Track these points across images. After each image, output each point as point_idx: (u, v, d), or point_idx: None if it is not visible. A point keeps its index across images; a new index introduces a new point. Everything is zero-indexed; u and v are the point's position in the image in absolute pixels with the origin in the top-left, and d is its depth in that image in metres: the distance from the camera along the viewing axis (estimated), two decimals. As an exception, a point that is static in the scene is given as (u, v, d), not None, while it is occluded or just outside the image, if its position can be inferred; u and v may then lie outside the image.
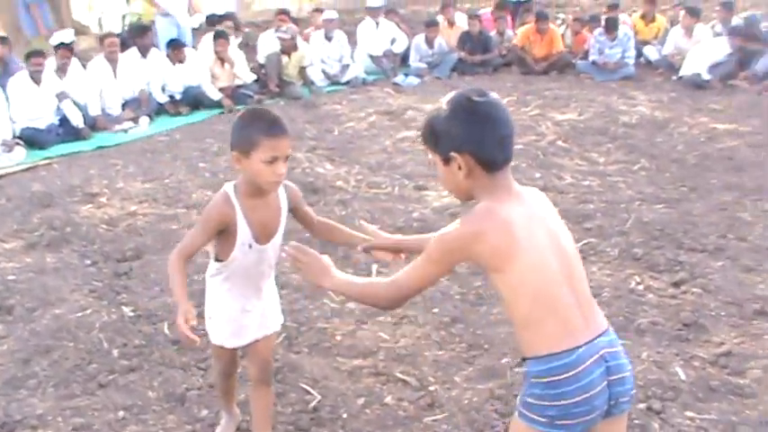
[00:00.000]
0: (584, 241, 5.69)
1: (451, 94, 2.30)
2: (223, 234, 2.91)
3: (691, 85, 10.99)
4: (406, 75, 12.05)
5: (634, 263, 5.43)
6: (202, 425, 3.71)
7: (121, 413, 3.79)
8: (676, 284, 5.10)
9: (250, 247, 2.95)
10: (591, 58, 12.08)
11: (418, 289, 2.35)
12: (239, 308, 3.12)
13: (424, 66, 12.27)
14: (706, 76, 10.91)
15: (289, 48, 10.73)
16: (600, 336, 2.21)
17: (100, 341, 4.42)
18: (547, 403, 2.16)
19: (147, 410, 3.82)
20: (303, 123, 9.35)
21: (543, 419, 2.18)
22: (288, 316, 4.54)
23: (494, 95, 2.27)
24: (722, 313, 4.73)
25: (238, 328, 3.18)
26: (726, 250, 5.57)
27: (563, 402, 2.14)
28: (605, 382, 2.18)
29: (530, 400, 2.19)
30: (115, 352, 4.32)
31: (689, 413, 3.81)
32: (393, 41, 12.55)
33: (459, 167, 2.22)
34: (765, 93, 10.44)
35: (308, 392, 3.94)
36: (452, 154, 2.22)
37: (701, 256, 5.47)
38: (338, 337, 4.46)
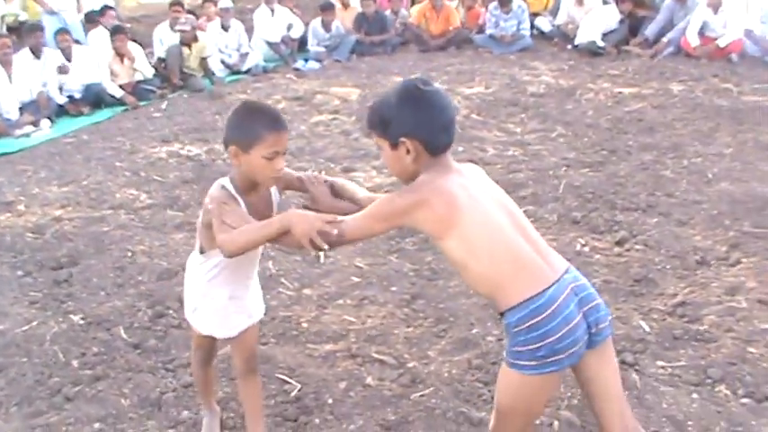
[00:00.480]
0: (522, 209, 5.76)
1: (399, 83, 2.46)
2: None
3: (587, 53, 11.33)
4: (306, 60, 11.97)
5: (574, 226, 5.58)
6: (185, 426, 3.59)
7: (97, 425, 3.61)
8: (619, 243, 5.28)
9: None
10: (488, 31, 12.28)
11: (357, 239, 2.55)
12: (227, 295, 3.04)
13: (323, 49, 12.22)
14: (600, 44, 11.26)
15: (189, 39, 10.49)
16: (564, 274, 2.38)
17: (55, 353, 4.20)
18: (534, 346, 2.29)
19: (123, 419, 3.65)
20: (213, 115, 9.17)
21: (534, 362, 2.31)
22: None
23: (436, 85, 2.45)
24: (668, 267, 4.93)
25: (225, 317, 3.09)
26: (657, 207, 5.80)
27: (549, 340, 2.27)
28: (581, 313, 2.34)
29: (517, 348, 2.32)
30: (75, 362, 4.12)
31: (660, 362, 3.96)
32: (290, 27, 12.43)
33: (408, 152, 2.39)
34: (658, 56, 10.85)
35: (287, 382, 3.87)
36: (402, 139, 2.38)
37: (637, 215, 5.67)
38: (304, 324, 4.42)
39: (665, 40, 11.02)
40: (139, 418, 3.66)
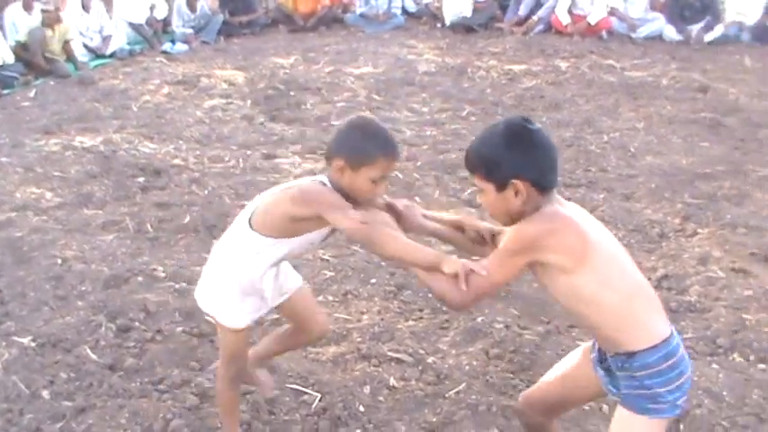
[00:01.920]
0: (469, 191, 5.77)
1: (502, 123, 2.33)
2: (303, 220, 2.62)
3: (461, 31, 11.44)
4: (173, 42, 11.41)
5: (525, 204, 5.60)
6: None
7: None
8: (575, 220, 5.34)
9: (324, 239, 2.74)
10: (358, 10, 12.16)
11: (501, 281, 2.34)
12: (260, 275, 2.78)
13: (190, 31, 11.66)
14: (472, 22, 11.40)
15: (52, 20, 9.68)
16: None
17: (15, 384, 3.59)
18: (674, 385, 2.20)
19: None
20: (91, 102, 8.49)
21: (666, 405, 2.22)
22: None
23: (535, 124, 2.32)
24: (633, 241, 5.04)
25: (258, 298, 2.84)
26: (598, 183, 5.93)
27: (683, 379, 2.22)
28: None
29: (656, 390, 2.20)
30: (45, 393, 3.53)
31: (669, 336, 4.03)
32: (153, 8, 11.79)
33: (517, 193, 2.25)
34: (530, 34, 11.13)
35: (303, 392, 3.57)
36: (513, 181, 2.23)
37: (582, 191, 5.78)
38: (299, 327, 4.16)
39: (535, 18, 11.31)
40: None
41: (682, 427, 3.35)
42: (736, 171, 6.19)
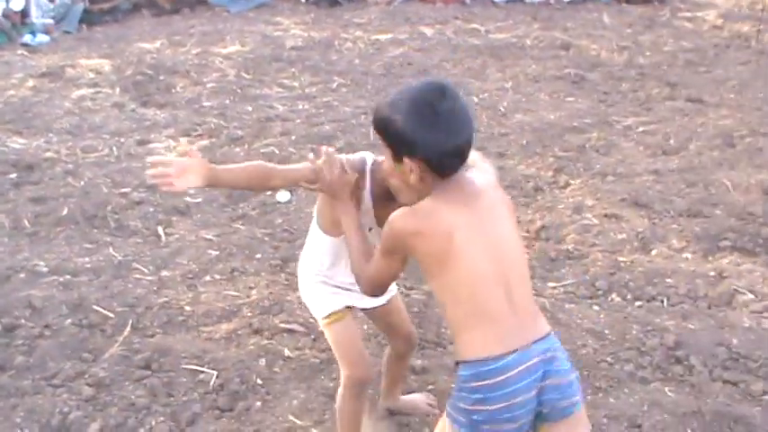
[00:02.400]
0: (345, 160, 5.76)
1: (419, 85, 2.09)
2: None
3: (325, 5, 11.38)
4: (33, 33, 10.89)
5: (403, 170, 5.64)
6: None
7: None
8: (453, 180, 5.41)
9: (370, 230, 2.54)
10: (220, -10, 11.92)
11: (389, 280, 2.30)
12: (327, 267, 2.72)
13: (50, 21, 11.14)
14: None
15: None
16: (538, 341, 2.05)
17: None
18: (471, 408, 2.03)
19: None
20: None
21: (468, 423, 2.06)
22: (113, 301, 4.08)
23: (455, 92, 2.09)
24: (509, 196, 5.12)
25: (342, 290, 2.73)
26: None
27: (486, 408, 2.01)
28: (535, 390, 2.03)
29: (459, 404, 2.06)
30: None
31: (551, 284, 4.18)
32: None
33: (411, 170, 2.06)
34: (394, 3, 11.17)
35: (199, 371, 3.51)
36: (405, 158, 2.05)
37: (457, 152, 5.84)
38: (186, 308, 4.06)
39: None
40: None
41: (569, 367, 3.45)
42: (602, 123, 6.40)
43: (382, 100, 2.16)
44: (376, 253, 2.21)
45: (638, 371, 3.43)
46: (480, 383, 1.98)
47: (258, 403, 3.31)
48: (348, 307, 2.74)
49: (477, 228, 2.06)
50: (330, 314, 2.71)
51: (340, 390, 2.78)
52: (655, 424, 3.09)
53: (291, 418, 3.21)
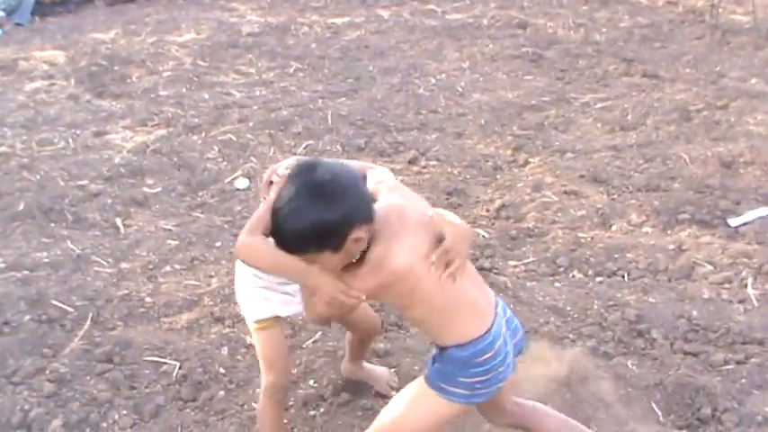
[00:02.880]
0: (303, 145, 5.73)
1: (297, 192, 2.11)
2: None
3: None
4: (-17, 26, 10.67)
5: (361, 153, 5.59)
6: None
7: None
8: (412, 162, 5.40)
9: None
10: (172, -23, 11.71)
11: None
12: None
13: (1, 14, 10.93)
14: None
15: None
16: (496, 308, 2.37)
17: None
18: (478, 379, 2.29)
19: None
20: None
21: (468, 392, 2.31)
22: (72, 295, 4.02)
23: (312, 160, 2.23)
24: (468, 177, 5.15)
25: (282, 293, 2.73)
26: (429, 124, 6.00)
27: (491, 375, 2.29)
28: (512, 343, 2.41)
29: (460, 380, 2.29)
30: None
31: (512, 262, 4.19)
32: (-47, -9, 10.97)
33: (357, 240, 2.13)
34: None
35: (162, 363, 3.49)
36: (351, 234, 2.10)
37: (415, 134, 5.83)
38: (147, 299, 3.99)
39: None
40: None
41: (532, 343, 3.46)
42: (560, 100, 6.41)
43: (283, 230, 2.15)
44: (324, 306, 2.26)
45: (601, 346, 3.45)
46: (484, 357, 2.25)
47: (221, 392, 3.31)
48: (277, 316, 2.74)
49: (420, 242, 2.21)
50: (260, 320, 2.73)
51: (261, 398, 2.84)
52: (618, 398, 3.10)
53: (255, 405, 3.18)
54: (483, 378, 2.28)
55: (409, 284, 2.19)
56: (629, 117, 5.98)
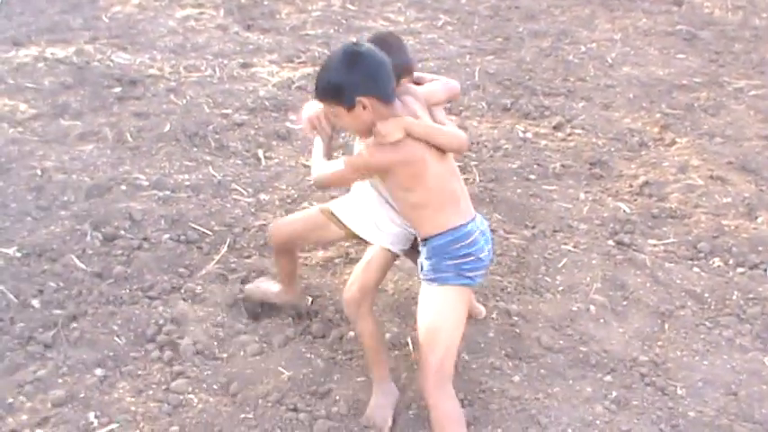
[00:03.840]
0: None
1: (336, 51, 2.64)
2: None
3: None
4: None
5: (506, 113, 5.60)
6: (201, 358, 3.27)
7: (99, 371, 3.15)
8: (557, 128, 5.36)
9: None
10: None
11: (335, 186, 3.32)
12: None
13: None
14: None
15: None
16: (475, 217, 2.79)
17: (4, 294, 3.54)
18: (458, 261, 2.70)
19: (126, 360, 3.23)
20: (59, 14, 7.89)
21: (453, 273, 2.71)
22: (211, 219, 4.16)
23: (362, 42, 2.70)
24: (613, 149, 5.08)
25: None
26: (576, 92, 5.93)
27: (472, 257, 2.71)
28: (488, 248, 2.79)
29: (444, 264, 2.70)
30: (35, 302, 3.51)
31: (651, 241, 4.12)
32: None
33: (364, 108, 2.58)
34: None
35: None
36: (358, 98, 2.57)
37: (561, 100, 5.78)
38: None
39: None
40: (146, 356, 3.26)
41: (667, 326, 3.45)
42: (712, 83, 6.22)
43: (316, 77, 2.64)
44: (340, 166, 2.73)
45: (737, 338, 3.41)
46: (462, 243, 2.68)
47: (351, 333, 3.37)
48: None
49: (437, 160, 2.69)
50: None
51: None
52: (751, 393, 3.08)
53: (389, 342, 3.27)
54: (466, 259, 2.69)
55: (421, 167, 2.62)
56: (786, 108, 5.77)
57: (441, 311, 2.70)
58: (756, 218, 4.34)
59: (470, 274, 2.73)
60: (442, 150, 2.71)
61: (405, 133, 2.61)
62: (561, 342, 3.32)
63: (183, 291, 3.62)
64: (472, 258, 2.71)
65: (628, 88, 5.99)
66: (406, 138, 2.61)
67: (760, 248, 4.04)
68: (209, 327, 3.40)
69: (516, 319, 3.49)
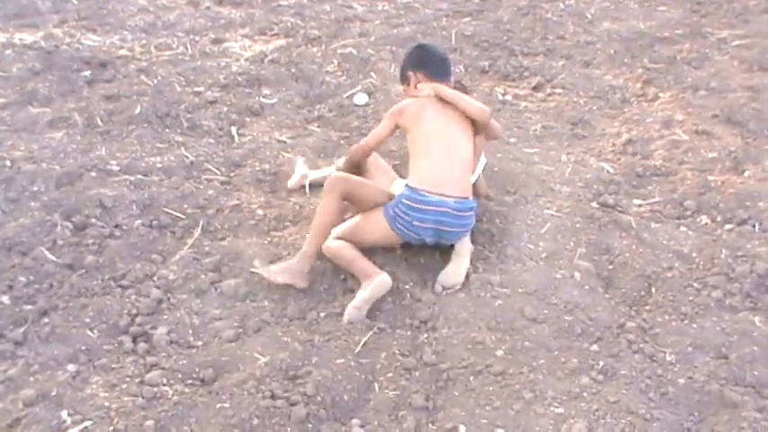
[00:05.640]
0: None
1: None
2: None
3: None
4: None
5: (485, 75, 5.47)
6: (174, 347, 3.18)
7: (71, 366, 3.06)
8: (536, 89, 5.24)
9: None
10: None
11: (371, 147, 3.78)
12: None
13: None
14: None
15: None
16: (457, 198, 3.35)
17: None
18: (401, 213, 3.34)
19: (98, 353, 3.12)
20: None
21: (392, 215, 3.36)
22: (183, 202, 4.04)
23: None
24: (594, 108, 4.96)
25: None
26: (555, 50, 5.79)
27: (406, 218, 3.32)
28: (433, 227, 3.32)
29: (393, 209, 3.36)
30: (5, 299, 3.42)
31: (637, 201, 4.02)
32: None
33: (414, 79, 3.75)
34: None
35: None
36: (409, 72, 3.77)
37: (540, 59, 5.65)
38: (258, 212, 3.99)
39: None
40: (119, 349, 3.15)
41: (654, 290, 3.36)
42: (695, 34, 6.09)
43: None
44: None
45: (727, 298, 3.32)
46: (409, 203, 3.30)
47: (324, 313, 3.29)
48: None
49: (443, 114, 3.59)
50: None
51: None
52: (742, 356, 2.99)
53: (368, 320, 3.21)
54: (403, 215, 3.30)
55: (417, 112, 3.56)
56: (770, 56, 5.65)
57: (365, 219, 3.46)
58: (743, 172, 4.24)
59: (401, 227, 3.33)
60: (466, 131, 3.57)
61: (434, 93, 3.58)
62: (546, 312, 3.22)
63: (155, 278, 3.51)
64: (408, 218, 3.29)
65: (608, 44, 5.86)
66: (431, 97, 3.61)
67: (748, 203, 3.93)
68: (183, 314, 3.29)
69: (499, 290, 3.37)
